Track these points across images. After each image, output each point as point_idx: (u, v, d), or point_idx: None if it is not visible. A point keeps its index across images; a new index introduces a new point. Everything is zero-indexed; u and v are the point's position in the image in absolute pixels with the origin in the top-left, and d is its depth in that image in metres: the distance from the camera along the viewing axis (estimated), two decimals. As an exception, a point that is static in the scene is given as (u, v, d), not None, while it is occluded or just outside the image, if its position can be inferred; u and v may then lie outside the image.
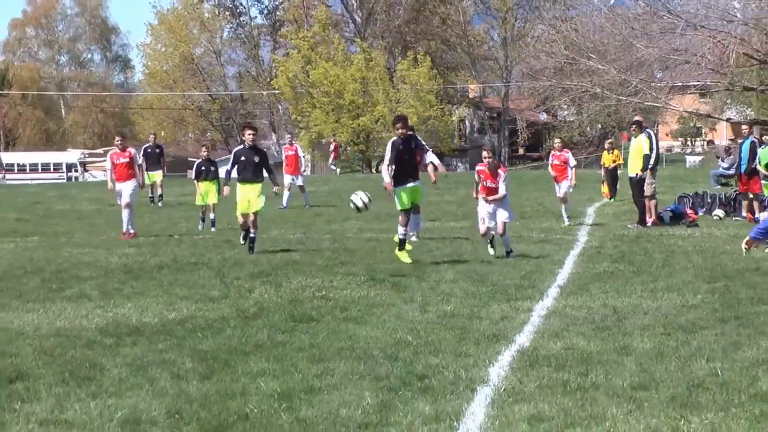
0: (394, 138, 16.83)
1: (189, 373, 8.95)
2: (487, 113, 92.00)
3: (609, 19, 41.64)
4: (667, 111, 56.98)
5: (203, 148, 26.55)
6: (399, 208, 16.84)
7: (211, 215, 24.65)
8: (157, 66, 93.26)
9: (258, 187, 18.60)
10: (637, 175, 23.52)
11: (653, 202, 24.01)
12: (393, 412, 7.59)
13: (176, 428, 7.29)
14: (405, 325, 11.07)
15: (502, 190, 17.28)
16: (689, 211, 25.14)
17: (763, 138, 26.66)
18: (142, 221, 26.99)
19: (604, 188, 34.45)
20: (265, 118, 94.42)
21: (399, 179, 16.68)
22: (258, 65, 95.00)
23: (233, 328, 11.04)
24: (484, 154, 17.56)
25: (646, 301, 12.53)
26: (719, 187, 34.38)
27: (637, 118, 25.71)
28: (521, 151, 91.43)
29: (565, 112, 74.94)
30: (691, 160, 72.60)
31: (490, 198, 17.34)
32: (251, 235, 18.66)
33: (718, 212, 26.39)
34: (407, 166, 16.80)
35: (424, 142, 18.08)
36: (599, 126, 72.32)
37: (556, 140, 27.75)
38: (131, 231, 22.48)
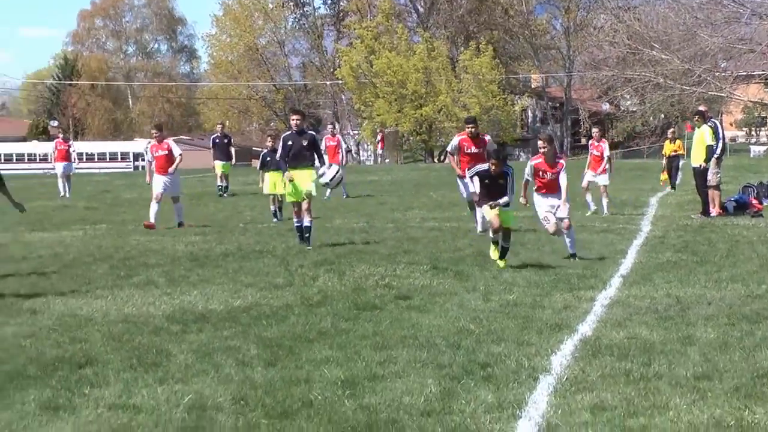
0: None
1: (254, 359, 9.04)
2: (550, 103, 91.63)
3: (672, 8, 41.28)
4: (731, 101, 56.38)
5: (269, 138, 26.45)
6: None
7: (277, 205, 24.51)
8: (222, 56, 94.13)
9: (308, 172, 17.94)
10: (700, 165, 23.29)
11: (717, 192, 23.76)
12: (455, 400, 7.62)
13: (241, 414, 7.36)
14: (467, 313, 11.08)
15: (563, 182, 15.62)
16: (754, 201, 24.85)
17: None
18: (207, 210, 27.28)
19: (663, 176, 34.19)
20: (328, 108, 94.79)
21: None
22: (321, 55, 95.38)
23: (297, 316, 11.12)
24: (540, 143, 15.80)
25: (710, 292, 12.42)
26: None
27: (700, 108, 25.44)
28: (583, 141, 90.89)
29: (628, 102, 74.38)
30: (755, 149, 71.73)
31: (557, 204, 15.62)
32: (306, 224, 17.89)
33: (783, 202, 26.05)
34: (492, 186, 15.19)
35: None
36: (662, 116, 71.63)
37: (594, 130, 26.54)
38: (152, 222, 21.58)
